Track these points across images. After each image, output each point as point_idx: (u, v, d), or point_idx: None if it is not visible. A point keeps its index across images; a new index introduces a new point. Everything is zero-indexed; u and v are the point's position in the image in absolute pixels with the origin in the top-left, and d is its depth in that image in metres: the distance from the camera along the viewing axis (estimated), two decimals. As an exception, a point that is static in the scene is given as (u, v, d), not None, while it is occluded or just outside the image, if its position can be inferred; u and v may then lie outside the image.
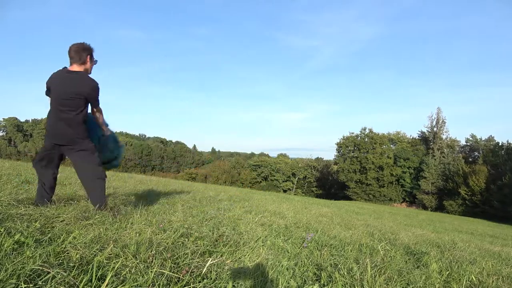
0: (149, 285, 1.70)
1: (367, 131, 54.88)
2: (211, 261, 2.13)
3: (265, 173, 68.06)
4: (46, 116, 3.18)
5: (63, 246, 2.00)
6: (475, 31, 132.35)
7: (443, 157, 48.91)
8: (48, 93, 3.07)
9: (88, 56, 3.10)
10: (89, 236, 2.25)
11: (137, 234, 2.51)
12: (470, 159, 49.17)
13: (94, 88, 3.08)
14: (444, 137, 53.37)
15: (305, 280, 2.18)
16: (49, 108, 3.06)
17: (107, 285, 1.57)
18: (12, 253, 1.78)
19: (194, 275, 1.93)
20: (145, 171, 68.43)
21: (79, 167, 3.13)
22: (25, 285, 1.48)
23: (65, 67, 3.11)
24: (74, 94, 2.96)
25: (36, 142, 68.56)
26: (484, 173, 38.57)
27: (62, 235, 2.19)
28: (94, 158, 3.13)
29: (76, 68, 3.06)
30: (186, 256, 2.20)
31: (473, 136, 52.54)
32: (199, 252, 2.32)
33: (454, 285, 2.51)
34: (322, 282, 2.19)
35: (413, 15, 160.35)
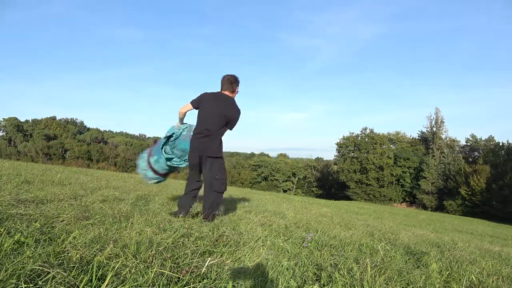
0: (149, 285, 1.70)
1: (367, 131, 54.89)
2: (211, 261, 2.13)
3: (265, 173, 68.05)
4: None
5: (63, 246, 2.00)
6: (475, 31, 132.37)
7: (443, 157, 48.91)
8: (199, 106, 3.59)
9: (237, 88, 3.72)
10: (89, 236, 2.25)
11: (137, 234, 2.51)
12: (470, 159, 49.17)
13: (239, 115, 3.69)
14: (443, 137, 53.42)
15: (305, 280, 2.18)
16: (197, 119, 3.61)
17: (107, 285, 1.57)
18: (12, 253, 1.78)
19: (194, 275, 1.93)
20: (145, 171, 68.25)
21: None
22: (25, 285, 1.48)
23: (219, 91, 3.68)
24: (223, 115, 3.55)
25: (36, 142, 68.51)
26: (486, 173, 38.56)
27: (62, 235, 2.19)
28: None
29: (227, 93, 3.67)
30: (186, 256, 2.20)
31: (473, 136, 52.54)
32: (199, 252, 2.32)
33: (454, 285, 2.51)
34: (322, 282, 2.19)
35: (414, 15, 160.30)
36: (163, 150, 3.78)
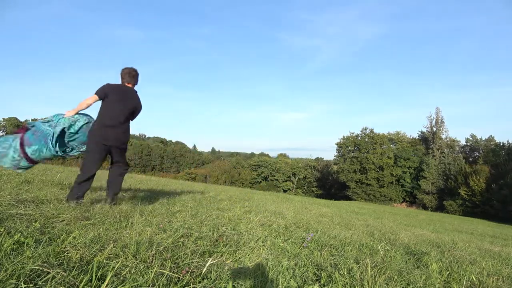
0: (149, 285, 1.70)
1: (367, 131, 54.85)
2: (211, 261, 2.13)
3: (265, 173, 68.01)
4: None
5: (63, 246, 2.00)
6: (475, 31, 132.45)
7: (443, 157, 48.89)
8: (104, 98, 3.61)
9: (138, 81, 3.93)
10: (89, 236, 2.25)
11: (137, 234, 2.51)
12: (470, 159, 49.17)
13: (141, 107, 3.94)
14: (443, 137, 53.39)
15: (305, 280, 2.18)
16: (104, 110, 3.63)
17: (107, 285, 1.56)
18: (12, 253, 1.78)
19: (194, 275, 1.93)
20: (145, 171, 68.22)
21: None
22: (25, 285, 1.47)
23: (123, 84, 3.84)
24: (131, 107, 3.78)
25: (36, 142, 68.42)
26: (485, 173, 38.53)
27: (62, 235, 2.19)
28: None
29: (130, 86, 3.87)
30: (186, 256, 2.20)
31: (473, 136, 52.53)
32: (199, 252, 2.32)
33: (454, 285, 2.50)
34: (322, 282, 2.19)
35: (414, 15, 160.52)
36: (56, 145, 3.54)
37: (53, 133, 3.49)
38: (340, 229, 4.97)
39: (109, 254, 1.99)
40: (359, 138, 55.37)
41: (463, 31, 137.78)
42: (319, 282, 2.19)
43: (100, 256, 1.92)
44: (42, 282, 1.53)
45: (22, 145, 3.46)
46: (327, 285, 2.16)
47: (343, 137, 57.41)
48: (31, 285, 1.50)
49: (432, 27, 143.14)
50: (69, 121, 3.58)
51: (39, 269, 1.62)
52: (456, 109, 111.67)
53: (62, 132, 3.55)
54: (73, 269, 1.69)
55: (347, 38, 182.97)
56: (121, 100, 3.67)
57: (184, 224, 3.09)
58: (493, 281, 2.69)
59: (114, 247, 2.11)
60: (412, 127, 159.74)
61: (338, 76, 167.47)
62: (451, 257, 3.57)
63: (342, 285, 2.17)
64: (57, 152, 3.59)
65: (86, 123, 3.69)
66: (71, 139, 3.66)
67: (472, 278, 2.70)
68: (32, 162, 3.59)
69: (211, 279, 1.92)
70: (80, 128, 3.63)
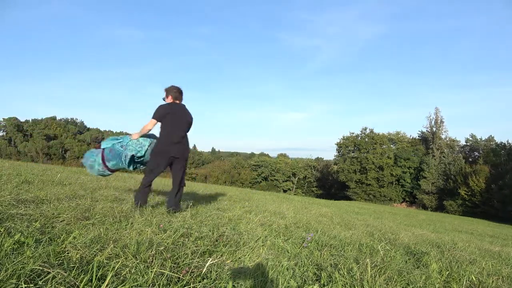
0: (149, 285, 1.70)
1: (367, 131, 54.84)
2: (211, 261, 2.13)
3: (265, 173, 68.01)
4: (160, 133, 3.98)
5: (63, 246, 2.00)
6: (475, 31, 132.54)
7: (443, 157, 48.87)
8: (161, 119, 3.90)
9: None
10: (89, 236, 2.25)
11: (137, 234, 2.51)
12: (470, 159, 49.14)
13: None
14: (443, 136, 53.37)
15: (305, 280, 2.18)
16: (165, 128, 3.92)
17: (107, 285, 1.57)
18: (12, 253, 1.78)
19: (194, 275, 1.94)
20: (145, 171, 68.07)
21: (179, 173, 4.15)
22: (25, 285, 1.48)
23: (177, 102, 4.10)
24: (189, 122, 4.12)
25: (36, 142, 68.45)
26: (485, 173, 38.51)
27: (62, 235, 2.20)
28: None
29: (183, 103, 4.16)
30: (186, 256, 2.20)
31: (473, 136, 52.50)
32: (199, 252, 2.33)
33: (454, 285, 2.51)
34: (322, 282, 2.19)
35: (414, 15, 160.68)
36: (130, 166, 4.16)
37: (125, 156, 4.06)
38: (340, 229, 4.97)
39: (109, 254, 1.99)
40: (359, 138, 55.35)
41: (463, 31, 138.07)
42: (319, 282, 2.20)
43: (100, 256, 1.92)
44: (42, 282, 1.53)
45: (103, 160, 4.11)
46: (327, 285, 2.16)
47: (343, 137, 57.41)
48: (32, 285, 1.50)
49: (432, 27, 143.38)
50: (136, 148, 4.08)
51: (39, 269, 1.62)
52: (456, 109, 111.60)
53: (132, 157, 4.10)
54: (73, 269, 1.70)
55: (347, 38, 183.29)
56: (179, 117, 3.99)
57: (184, 224, 3.09)
58: (493, 281, 2.69)
59: (114, 247, 2.11)
60: (412, 127, 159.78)
61: (338, 76, 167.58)
62: (451, 257, 3.58)
63: (342, 285, 2.17)
64: (130, 168, 4.23)
65: (150, 144, 4.14)
66: (139, 160, 4.20)
67: (472, 278, 2.70)
68: (112, 171, 4.25)
69: (211, 279, 1.92)
70: (146, 151, 4.10)
